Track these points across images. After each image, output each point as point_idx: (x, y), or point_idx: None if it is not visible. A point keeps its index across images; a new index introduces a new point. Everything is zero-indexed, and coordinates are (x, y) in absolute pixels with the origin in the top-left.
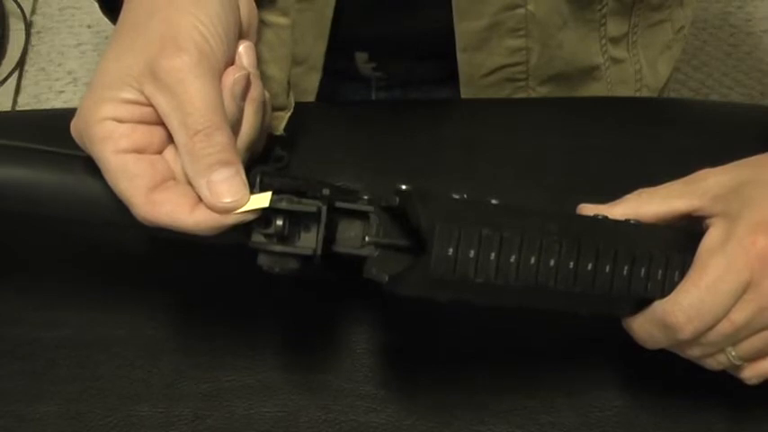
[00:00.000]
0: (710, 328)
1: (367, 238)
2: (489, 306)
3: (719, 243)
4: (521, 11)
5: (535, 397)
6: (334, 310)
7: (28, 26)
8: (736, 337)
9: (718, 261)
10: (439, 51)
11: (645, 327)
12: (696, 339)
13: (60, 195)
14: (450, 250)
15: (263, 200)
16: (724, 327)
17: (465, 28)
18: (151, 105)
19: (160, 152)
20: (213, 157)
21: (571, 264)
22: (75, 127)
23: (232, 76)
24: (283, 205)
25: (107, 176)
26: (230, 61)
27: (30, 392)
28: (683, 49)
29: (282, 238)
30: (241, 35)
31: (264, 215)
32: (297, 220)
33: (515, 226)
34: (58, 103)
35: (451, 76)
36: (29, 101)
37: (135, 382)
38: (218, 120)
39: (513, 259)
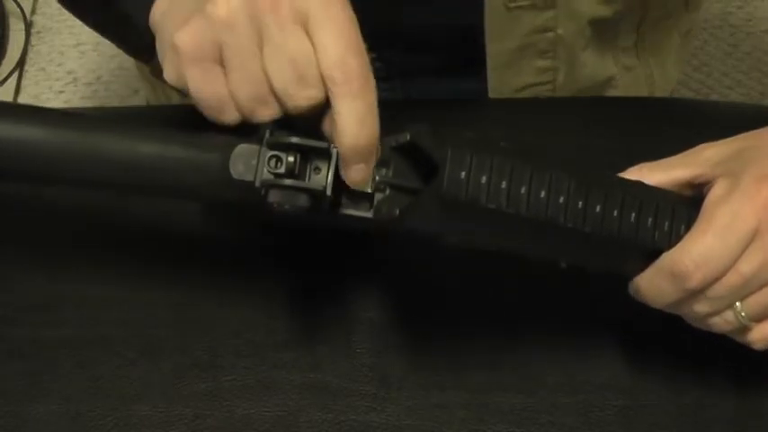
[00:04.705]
0: (718, 278)
1: (377, 178)
2: (497, 249)
3: (724, 195)
4: (550, 34)
5: (535, 397)
6: (335, 310)
7: (28, 26)
8: (744, 290)
9: (725, 210)
10: (438, 43)
11: (653, 280)
12: (704, 292)
13: (67, 154)
14: (463, 174)
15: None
16: (732, 278)
17: (496, 49)
18: None
19: None
20: None
21: (580, 203)
22: None
23: None
24: (295, 140)
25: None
26: None
27: (30, 392)
28: None
29: (293, 176)
30: None
31: (275, 155)
32: (307, 160)
33: (526, 162)
34: (57, 103)
35: (451, 67)
36: (29, 101)
37: (135, 381)
38: None
39: (523, 190)
